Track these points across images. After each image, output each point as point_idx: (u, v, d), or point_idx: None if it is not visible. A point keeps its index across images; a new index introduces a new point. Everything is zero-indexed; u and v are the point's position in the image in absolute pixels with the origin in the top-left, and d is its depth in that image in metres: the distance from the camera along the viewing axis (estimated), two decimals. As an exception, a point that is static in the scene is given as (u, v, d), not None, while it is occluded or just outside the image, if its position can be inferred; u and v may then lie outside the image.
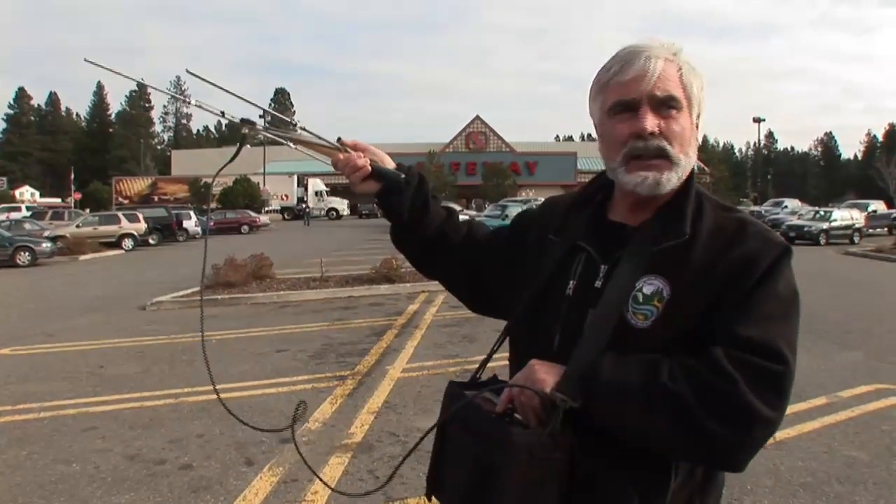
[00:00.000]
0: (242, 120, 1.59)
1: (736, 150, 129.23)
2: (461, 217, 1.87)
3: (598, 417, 1.32)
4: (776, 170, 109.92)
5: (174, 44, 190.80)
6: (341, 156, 1.67)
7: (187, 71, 1.61)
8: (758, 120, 65.68)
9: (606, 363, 1.33)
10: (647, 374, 1.29)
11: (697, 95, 1.47)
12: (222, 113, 1.58)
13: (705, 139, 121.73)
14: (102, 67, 1.60)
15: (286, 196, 66.89)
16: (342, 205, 66.13)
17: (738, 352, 1.27)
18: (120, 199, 66.67)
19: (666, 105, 1.43)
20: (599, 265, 1.48)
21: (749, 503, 4.48)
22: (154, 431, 5.95)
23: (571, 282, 1.50)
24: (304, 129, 1.65)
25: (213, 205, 56.61)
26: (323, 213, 64.02)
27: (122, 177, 73.76)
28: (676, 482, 1.35)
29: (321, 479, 2.03)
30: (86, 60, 1.57)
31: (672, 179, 1.44)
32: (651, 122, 1.41)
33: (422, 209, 1.73)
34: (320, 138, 1.67)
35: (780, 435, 5.55)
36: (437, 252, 1.79)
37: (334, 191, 66.18)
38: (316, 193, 64.75)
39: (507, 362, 1.61)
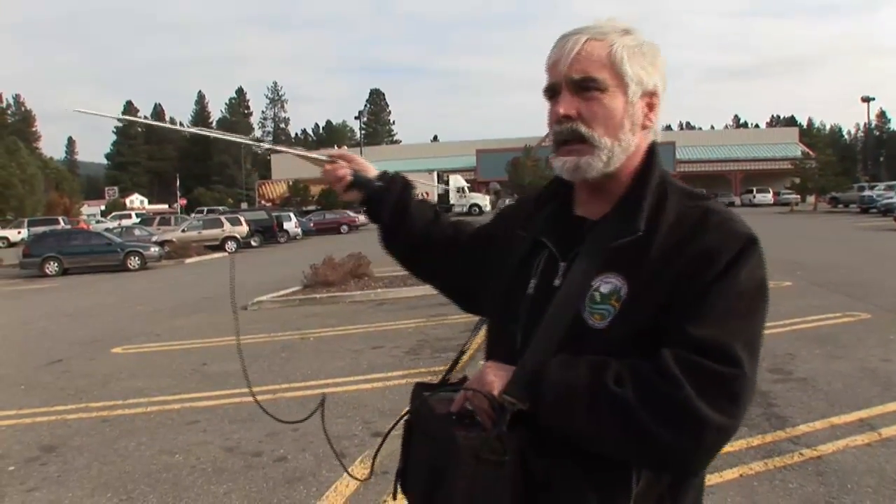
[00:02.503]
0: (253, 140, 1.92)
1: (844, 133, 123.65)
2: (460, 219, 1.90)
3: (546, 420, 1.29)
4: (889, 151, 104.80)
5: (273, 51, 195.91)
6: (327, 167, 1.80)
7: (146, 117, 1.83)
8: (867, 99, 62.79)
9: (554, 365, 1.29)
10: (593, 377, 1.24)
11: (637, 74, 1.38)
12: (232, 138, 1.86)
13: (809, 123, 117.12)
14: (91, 113, 1.82)
15: (427, 193, 67.98)
16: (484, 200, 66.07)
17: (687, 353, 1.21)
18: (263, 201, 69.34)
19: (583, 87, 1.37)
20: (559, 262, 1.43)
21: (849, 503, 4.28)
22: (252, 425, 6.14)
23: (533, 280, 1.46)
24: (275, 148, 1.87)
25: (311, 206, 58.13)
26: (465, 208, 63.84)
27: (264, 181, 76.85)
28: (641, 485, 1.29)
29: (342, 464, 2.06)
30: (76, 110, 1.83)
31: (594, 164, 1.38)
32: (564, 105, 1.38)
33: (401, 213, 1.77)
34: (307, 154, 1.88)
35: (885, 432, 5.28)
36: (421, 254, 1.83)
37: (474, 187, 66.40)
38: (458, 189, 65.00)
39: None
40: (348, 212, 49.45)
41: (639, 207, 1.36)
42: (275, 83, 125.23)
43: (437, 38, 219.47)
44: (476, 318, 1.75)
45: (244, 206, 64.00)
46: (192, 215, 42.39)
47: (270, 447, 5.58)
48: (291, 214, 42.75)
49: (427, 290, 14.19)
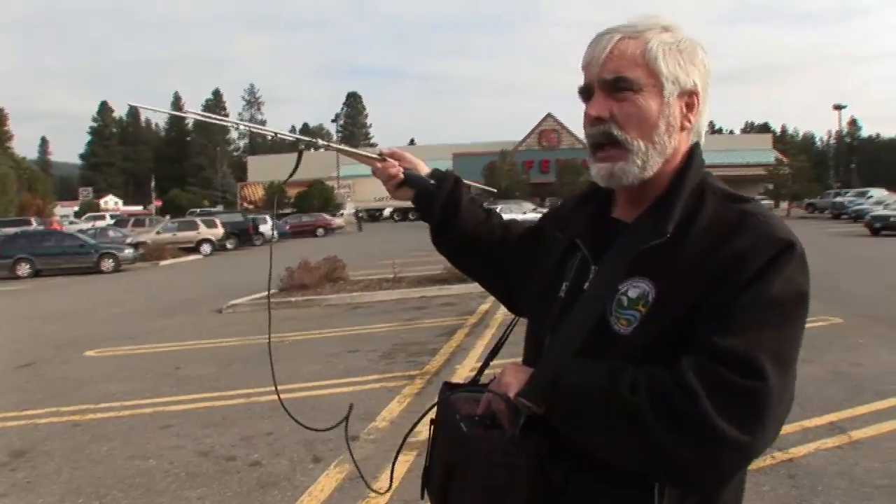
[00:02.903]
0: (299, 139, 1.73)
1: (817, 140, 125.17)
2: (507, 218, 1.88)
3: (559, 425, 1.26)
4: (861, 158, 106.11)
5: (251, 53, 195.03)
6: (378, 164, 1.78)
7: (187, 110, 1.75)
8: (838, 107, 63.71)
9: (571, 370, 1.26)
10: (608, 384, 1.20)
11: (673, 73, 1.32)
12: (275, 134, 1.78)
13: (783, 129, 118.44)
14: (147, 108, 1.77)
15: None
16: None
17: (710, 363, 1.15)
18: (245, 204, 68.94)
19: (616, 87, 1.32)
20: (591, 265, 1.40)
21: None
22: (226, 430, 6.12)
23: (565, 283, 1.44)
24: (327, 145, 1.81)
25: (287, 210, 58.00)
26: None
27: (246, 183, 76.38)
28: (667, 500, 1.23)
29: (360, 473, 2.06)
30: (130, 105, 1.74)
31: (629, 170, 1.33)
32: (596, 107, 1.34)
33: (452, 213, 1.75)
34: (360, 152, 1.83)
35: (855, 435, 5.37)
36: (470, 253, 1.82)
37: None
38: None
39: None
40: (324, 215, 49.37)
41: (670, 210, 1.30)
42: (252, 85, 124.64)
43: (416, 41, 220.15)
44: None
45: (220, 207, 63.64)
46: (188, 216, 42.16)
47: (244, 451, 5.55)
48: (267, 217, 42.59)
49: (402, 294, 14.35)
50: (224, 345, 10.28)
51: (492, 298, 9.74)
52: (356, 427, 5.85)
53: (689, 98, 1.36)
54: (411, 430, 1.51)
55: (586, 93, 1.37)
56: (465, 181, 1.82)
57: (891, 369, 7.33)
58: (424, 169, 1.81)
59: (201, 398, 7.21)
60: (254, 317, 12.99)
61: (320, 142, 1.76)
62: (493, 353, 1.68)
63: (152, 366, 9.03)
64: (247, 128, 1.68)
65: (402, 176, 1.76)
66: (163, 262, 28.52)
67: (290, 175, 1.83)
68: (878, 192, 46.61)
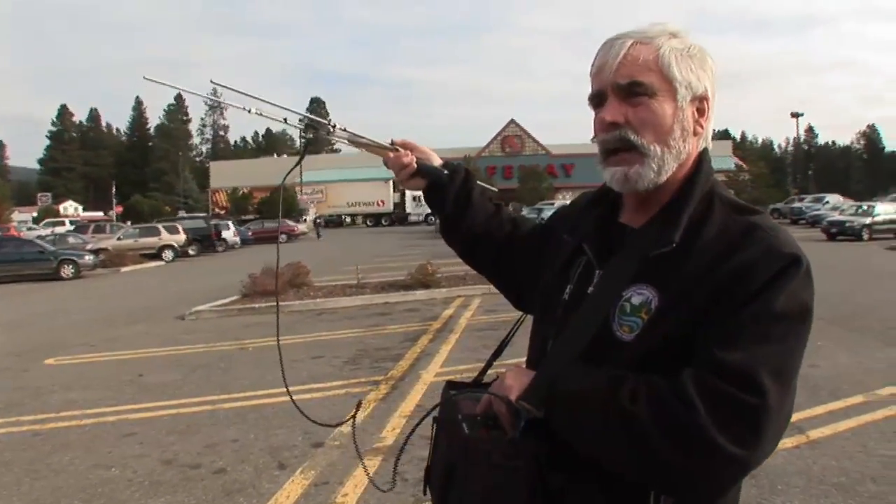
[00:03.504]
0: (307, 126, 1.68)
1: (775, 146, 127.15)
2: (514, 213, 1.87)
3: (558, 430, 1.26)
4: (818, 165, 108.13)
5: (215, 57, 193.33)
6: (391, 154, 1.74)
7: (211, 81, 1.69)
8: (796, 115, 64.72)
9: (572, 376, 1.27)
10: (608, 391, 1.20)
11: (686, 78, 1.32)
12: (285, 119, 1.68)
13: (743, 136, 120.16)
14: (162, 83, 1.67)
15: (382, 202, 67.47)
16: None
17: (710, 377, 1.15)
18: (217, 209, 68.16)
19: (631, 92, 1.31)
20: (595, 269, 1.39)
21: (779, 503, 4.44)
22: (190, 437, 6.07)
23: (569, 286, 1.44)
24: (343, 129, 1.72)
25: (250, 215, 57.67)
26: (422, 217, 62.92)
27: (217, 189, 75.35)
28: None
29: (365, 468, 2.08)
30: (145, 78, 1.63)
31: (644, 174, 1.32)
32: (611, 112, 1.33)
33: (464, 205, 1.75)
34: (372, 141, 1.77)
35: (813, 434, 5.50)
36: (480, 247, 1.80)
37: None
38: (414, 199, 64.86)
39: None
40: (287, 221, 49.07)
41: (678, 218, 1.30)
42: (214, 90, 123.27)
43: (380, 47, 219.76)
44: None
45: (182, 213, 62.92)
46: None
47: (209, 459, 5.51)
48: (230, 223, 42.26)
49: (366, 300, 14.33)
50: (188, 352, 10.19)
51: (456, 304, 9.89)
52: (321, 434, 5.84)
53: (701, 103, 1.36)
54: (414, 428, 1.52)
55: (598, 99, 1.37)
56: (355, 133, 1.77)
57: (847, 370, 7.50)
58: (437, 160, 1.80)
59: (165, 405, 7.15)
60: (217, 323, 12.89)
61: (336, 128, 1.69)
62: (497, 353, 1.69)
63: (114, 373, 8.91)
64: (258, 110, 1.63)
65: (415, 166, 1.73)
66: (124, 269, 28.14)
67: (298, 163, 1.78)
68: (833, 198, 47.56)
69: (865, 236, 29.72)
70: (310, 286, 16.06)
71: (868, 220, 30.57)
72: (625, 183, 1.35)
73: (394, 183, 64.19)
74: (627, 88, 1.31)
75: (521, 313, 1.75)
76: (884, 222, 30.84)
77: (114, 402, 7.44)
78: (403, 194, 65.43)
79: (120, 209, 73.24)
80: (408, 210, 65.36)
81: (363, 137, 1.74)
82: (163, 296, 17.85)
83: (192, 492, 4.89)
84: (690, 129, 1.35)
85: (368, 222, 66.94)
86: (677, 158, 1.34)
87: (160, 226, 36.09)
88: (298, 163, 1.76)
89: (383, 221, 66.14)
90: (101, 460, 5.61)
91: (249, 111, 1.61)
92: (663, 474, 1.17)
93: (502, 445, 1.28)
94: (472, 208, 1.75)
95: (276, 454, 5.54)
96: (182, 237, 34.57)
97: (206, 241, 37.09)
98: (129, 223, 49.87)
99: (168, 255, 33.11)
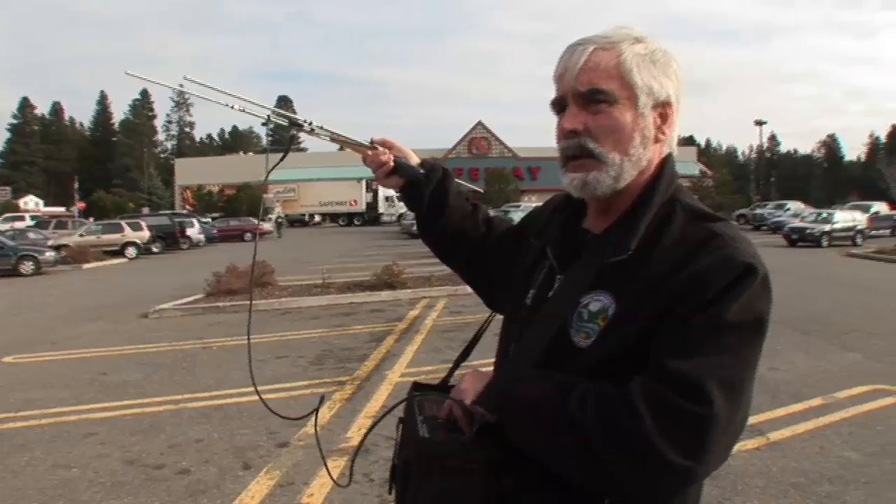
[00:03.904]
0: (292, 123, 1.68)
1: (739, 154, 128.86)
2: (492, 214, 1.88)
3: (510, 435, 1.26)
4: (780, 172, 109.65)
5: (185, 53, 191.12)
6: (369, 152, 1.74)
7: (185, 78, 1.67)
8: (760, 123, 65.64)
9: (524, 380, 1.28)
10: (558, 398, 1.20)
11: (647, 85, 1.31)
12: (268, 118, 1.68)
13: (707, 142, 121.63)
14: (145, 79, 1.69)
15: (354, 201, 66.97)
16: None
17: (659, 385, 1.14)
18: (187, 206, 67.24)
19: (591, 99, 1.31)
20: (556, 275, 1.40)
21: (740, 503, 4.52)
22: (153, 437, 6.02)
23: (532, 290, 1.45)
24: (320, 127, 1.72)
25: (215, 214, 57.17)
26: (395, 217, 62.38)
27: (189, 185, 74.20)
28: None
29: (327, 467, 2.09)
30: (127, 73, 1.65)
31: (602, 180, 1.32)
32: (571, 120, 1.32)
33: (440, 204, 1.75)
34: (350, 139, 1.78)
35: (773, 436, 5.62)
36: (455, 247, 1.80)
37: None
38: (386, 199, 64.39)
39: None
40: (252, 219, 48.69)
41: (635, 226, 1.29)
42: (181, 85, 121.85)
43: (349, 47, 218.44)
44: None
45: (146, 210, 62.15)
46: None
47: (173, 459, 5.47)
48: (195, 220, 41.83)
49: (331, 299, 14.30)
50: (151, 350, 10.09)
51: (421, 305, 9.91)
52: (286, 434, 5.83)
53: (664, 109, 1.35)
54: (372, 427, 1.53)
55: (559, 105, 1.37)
56: (331, 131, 1.78)
57: (806, 373, 7.68)
58: (415, 158, 1.80)
59: (127, 405, 7.07)
60: (181, 322, 12.77)
61: (317, 126, 1.70)
62: (464, 354, 1.69)
63: (76, 372, 8.79)
64: (242, 107, 1.64)
65: (392, 164, 1.74)
66: (86, 266, 27.69)
67: (280, 160, 1.78)
68: (795, 205, 48.42)
69: (825, 243, 30.37)
70: (274, 285, 15.97)
71: (827, 227, 31.24)
72: (583, 189, 1.35)
73: (367, 182, 64.11)
74: (587, 95, 1.31)
75: (488, 314, 1.75)
76: (842, 229, 31.60)
77: (75, 401, 7.35)
78: (376, 194, 65.21)
79: (82, 205, 72.11)
80: (380, 210, 65.11)
81: (343, 135, 1.75)
82: (126, 293, 17.63)
83: (155, 493, 4.85)
84: (651, 136, 1.34)
85: (341, 221, 66.48)
86: (637, 166, 1.34)
87: (123, 222, 35.59)
88: (281, 159, 1.76)
89: (356, 221, 65.74)
90: (62, 461, 5.53)
91: (232, 107, 1.62)
92: (608, 481, 1.18)
93: (457, 448, 1.28)
94: (448, 207, 1.75)
95: (241, 454, 5.51)
96: (146, 234, 34.13)
97: (170, 239, 36.66)
98: (91, 219, 49.09)
99: (131, 252, 32.67)
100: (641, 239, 1.28)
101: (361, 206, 66.73)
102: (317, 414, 1.70)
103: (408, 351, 9.42)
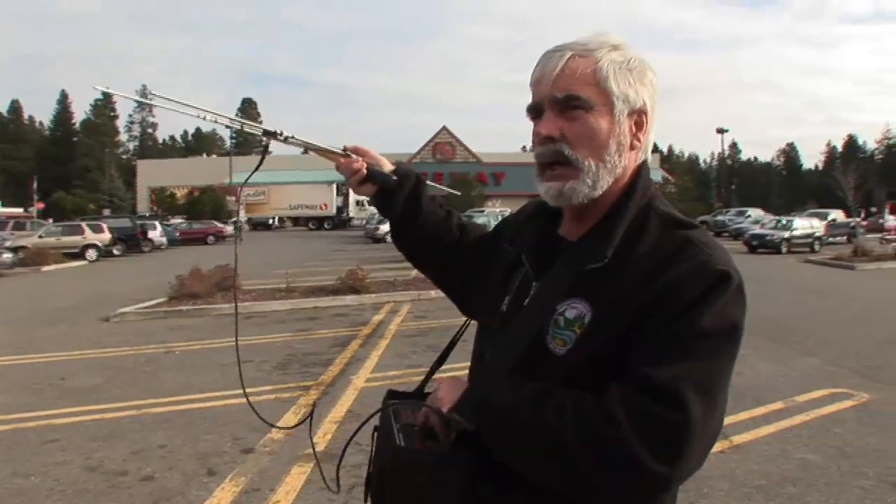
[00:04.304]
0: (265, 132, 1.68)
1: (701, 161, 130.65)
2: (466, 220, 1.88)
3: (487, 443, 1.26)
4: (740, 180, 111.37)
5: (148, 53, 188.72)
6: (342, 160, 1.74)
7: (152, 93, 1.67)
8: (721, 131, 66.53)
9: (501, 389, 1.27)
10: (535, 406, 1.21)
11: (623, 92, 1.32)
12: (241, 126, 1.69)
13: (670, 149, 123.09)
14: (117, 94, 1.70)
15: (325, 205, 66.47)
16: None
17: (635, 392, 1.15)
18: (154, 208, 66.26)
19: (567, 105, 1.31)
20: (532, 282, 1.40)
21: (704, 506, 4.58)
22: (115, 443, 5.92)
23: (508, 297, 1.44)
24: (292, 137, 1.72)
25: (177, 218, 56.53)
26: (364, 222, 62.51)
27: (156, 186, 72.94)
28: None
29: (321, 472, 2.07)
30: (95, 88, 1.65)
31: (578, 189, 1.33)
32: (547, 126, 1.33)
33: (413, 210, 1.74)
34: (322, 147, 1.77)
35: (737, 439, 5.70)
36: (429, 252, 1.80)
37: None
38: (357, 203, 64.03)
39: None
40: (215, 222, 48.25)
41: (610, 233, 1.30)
42: (144, 86, 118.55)
43: (316, 50, 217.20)
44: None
45: (107, 212, 61.22)
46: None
47: (136, 465, 5.38)
48: (157, 223, 41.34)
49: (295, 304, 14.22)
50: (112, 354, 9.94)
51: (385, 309, 9.90)
52: (251, 440, 5.78)
53: (639, 117, 1.35)
54: (352, 437, 1.53)
55: (535, 111, 1.37)
56: (430, 183, 1.82)
57: (767, 378, 7.81)
58: (387, 165, 1.80)
59: (89, 410, 6.96)
60: (142, 326, 12.59)
61: (290, 136, 1.70)
62: (440, 360, 1.70)
63: (35, 377, 8.62)
64: (214, 118, 1.63)
65: (364, 171, 1.73)
66: (45, 268, 27.20)
67: (255, 170, 1.78)
68: (755, 212, 49.19)
69: (784, 249, 30.92)
70: (238, 289, 15.81)
71: (787, 234, 31.85)
72: (559, 198, 1.35)
73: (337, 186, 63.87)
74: (564, 102, 1.31)
75: (459, 319, 1.76)
76: (801, 236, 32.25)
77: (34, 406, 7.19)
78: (347, 198, 65.00)
79: (41, 206, 70.86)
80: (351, 214, 64.92)
81: (315, 144, 1.75)
82: (86, 296, 17.34)
83: (118, 500, 4.77)
84: (627, 144, 1.35)
85: (311, 225, 66.09)
86: (612, 173, 1.34)
87: (84, 224, 35.03)
88: (256, 168, 1.76)
89: (326, 225, 65.39)
90: (20, 468, 5.41)
91: (204, 118, 1.61)
92: (586, 488, 1.19)
93: (434, 457, 1.29)
94: (421, 214, 1.75)
95: (206, 460, 5.45)
96: (107, 236, 33.60)
97: (131, 241, 36.17)
98: (50, 220, 48.30)
99: (92, 254, 32.14)
100: (617, 246, 1.28)
101: (332, 210, 66.49)
102: (311, 422, 1.68)
103: (373, 356, 9.39)
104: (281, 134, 1.69)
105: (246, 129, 1.68)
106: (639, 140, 1.37)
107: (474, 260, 1.71)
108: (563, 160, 1.33)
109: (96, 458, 5.59)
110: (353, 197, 63.87)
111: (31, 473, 5.30)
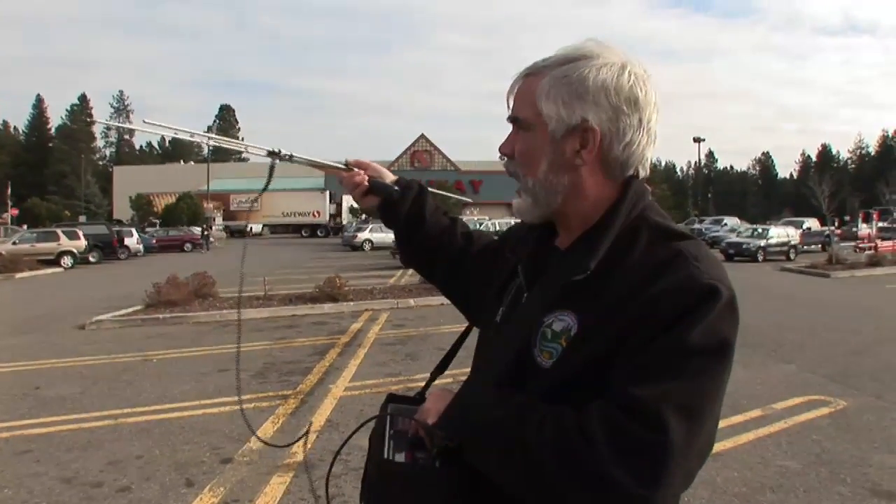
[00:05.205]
0: (269, 153, 1.71)
1: (678, 170, 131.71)
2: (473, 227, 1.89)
3: (468, 457, 1.25)
4: (717, 188, 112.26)
5: (125, 58, 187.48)
6: (345, 174, 1.77)
7: (144, 122, 1.72)
8: (698, 140, 67.32)
9: (484, 404, 1.26)
10: (516, 422, 1.19)
11: (555, 111, 1.29)
12: (245, 147, 1.75)
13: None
14: (159, 131, 1.72)
15: (318, 213, 66.21)
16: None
17: (616, 411, 1.11)
18: (145, 220, 65.60)
19: (515, 125, 1.37)
20: (524, 293, 1.39)
21: (685, 514, 4.59)
22: (92, 453, 5.85)
23: (502, 308, 1.44)
24: (290, 155, 1.76)
25: (155, 225, 56.16)
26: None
27: (148, 193, 72.05)
28: None
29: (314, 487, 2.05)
30: (145, 122, 1.67)
31: (522, 206, 1.37)
32: (504, 144, 1.40)
33: (416, 220, 1.76)
34: (325, 162, 1.86)
35: (717, 447, 5.68)
36: (435, 261, 1.81)
37: None
38: (350, 211, 63.94)
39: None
40: (192, 229, 47.94)
41: (595, 245, 1.26)
42: (121, 92, 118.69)
43: (293, 57, 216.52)
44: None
45: (83, 219, 60.62)
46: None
47: (112, 477, 5.31)
48: (133, 230, 41.06)
49: (273, 312, 14.17)
50: (88, 363, 9.83)
51: (364, 318, 9.88)
52: (230, 450, 5.73)
53: (584, 134, 1.29)
54: (345, 442, 1.51)
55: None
56: (435, 191, 1.84)
57: (745, 386, 7.82)
58: (390, 177, 1.82)
59: (64, 420, 6.87)
60: (119, 334, 12.46)
61: (293, 155, 1.75)
62: (442, 366, 1.67)
63: (8, 386, 8.51)
64: (216, 142, 1.65)
65: (367, 184, 1.76)
66: (19, 275, 26.87)
67: (264, 189, 1.80)
68: (731, 221, 49.68)
69: (760, 257, 31.27)
70: (215, 297, 15.70)
71: (763, 243, 32.20)
72: (517, 213, 1.40)
73: (330, 194, 63.80)
74: (513, 122, 1.37)
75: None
76: (777, 245, 32.60)
77: (7, 416, 7.09)
78: (340, 205, 64.86)
79: (15, 212, 69.96)
80: (344, 221, 64.83)
81: (317, 160, 1.82)
82: (61, 304, 17.16)
83: (93, 511, 4.72)
84: (565, 163, 1.31)
85: (304, 233, 65.84)
86: (552, 191, 1.32)
87: (59, 231, 34.69)
88: (264, 189, 1.80)
89: (319, 233, 65.21)
90: (-6, 478, 5.34)
91: (202, 144, 1.65)
92: None
93: (417, 470, 1.28)
94: (424, 223, 1.76)
95: (184, 471, 5.39)
96: (82, 243, 33.28)
97: (107, 248, 35.88)
98: (25, 227, 47.80)
99: (67, 261, 31.83)
100: (603, 258, 1.25)
101: (325, 218, 66.35)
102: (306, 440, 1.67)
103: (351, 364, 9.36)
104: (286, 154, 1.73)
105: (251, 150, 1.73)
106: (581, 158, 1.30)
107: (478, 268, 1.71)
108: (516, 177, 1.38)
109: (72, 469, 5.51)
110: (346, 204, 63.75)
111: (4, 485, 5.22)
